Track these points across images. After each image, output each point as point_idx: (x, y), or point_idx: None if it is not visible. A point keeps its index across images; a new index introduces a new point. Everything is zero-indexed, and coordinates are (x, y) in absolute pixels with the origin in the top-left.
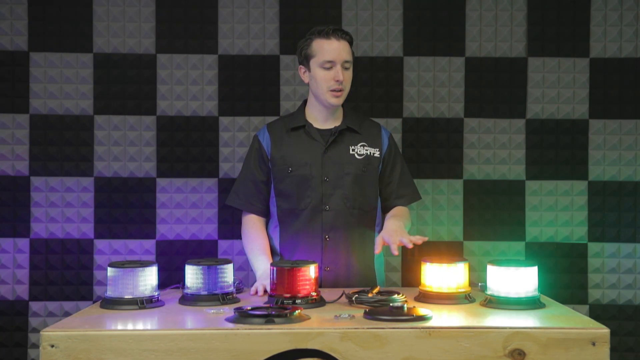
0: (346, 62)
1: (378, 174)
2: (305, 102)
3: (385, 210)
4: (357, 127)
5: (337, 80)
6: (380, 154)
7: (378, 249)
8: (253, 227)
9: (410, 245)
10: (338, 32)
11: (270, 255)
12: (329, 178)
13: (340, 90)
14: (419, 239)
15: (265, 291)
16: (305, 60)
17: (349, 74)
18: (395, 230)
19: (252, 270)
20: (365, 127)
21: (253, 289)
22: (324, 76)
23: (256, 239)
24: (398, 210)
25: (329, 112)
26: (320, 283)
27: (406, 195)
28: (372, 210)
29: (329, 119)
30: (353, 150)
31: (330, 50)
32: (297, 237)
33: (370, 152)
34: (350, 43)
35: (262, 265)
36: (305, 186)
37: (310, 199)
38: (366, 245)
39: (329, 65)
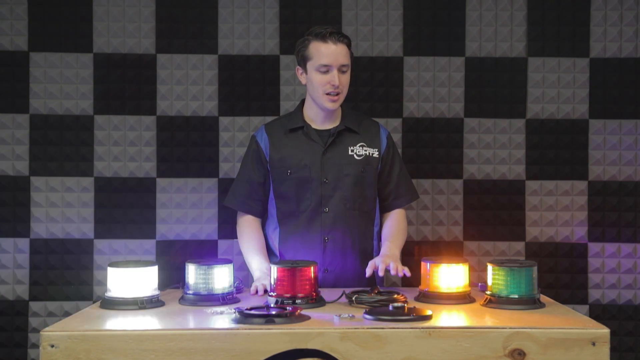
0: (343, 65)
1: (377, 174)
2: (303, 102)
3: (384, 210)
4: (356, 127)
5: (333, 85)
6: (379, 154)
7: (369, 273)
8: (249, 227)
9: (393, 272)
10: (335, 35)
11: (266, 255)
12: (329, 180)
13: (337, 94)
14: (402, 271)
15: (265, 291)
16: (302, 61)
17: (345, 78)
18: (389, 257)
19: None
20: (364, 127)
21: (253, 289)
22: (320, 80)
23: (252, 239)
24: (395, 223)
25: (327, 115)
26: (319, 285)
27: (405, 195)
28: (371, 211)
29: (328, 120)
30: (352, 151)
31: (327, 54)
32: (297, 239)
33: (369, 153)
34: (349, 46)
35: (258, 265)
36: (305, 188)
37: (309, 201)
38: (365, 245)
39: (325, 69)
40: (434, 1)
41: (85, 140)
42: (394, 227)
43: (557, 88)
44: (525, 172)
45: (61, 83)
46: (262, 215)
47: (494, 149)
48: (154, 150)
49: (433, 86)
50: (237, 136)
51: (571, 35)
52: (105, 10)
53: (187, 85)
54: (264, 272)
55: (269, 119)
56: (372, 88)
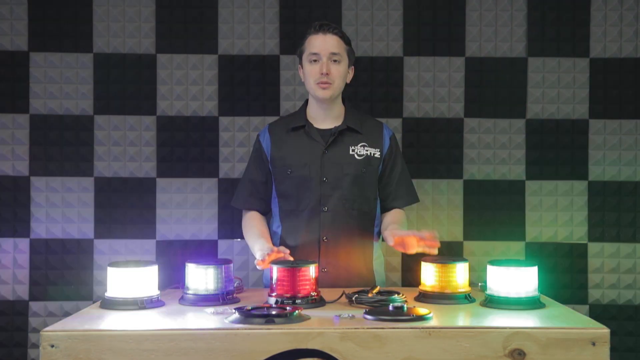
0: (333, 54)
1: (378, 175)
2: (306, 101)
3: (383, 210)
4: (358, 127)
5: (322, 73)
6: (380, 154)
7: (391, 242)
8: (251, 218)
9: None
10: (325, 26)
11: (268, 238)
12: (328, 179)
13: (327, 83)
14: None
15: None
16: (299, 57)
17: (337, 68)
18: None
19: (252, 270)
20: (366, 127)
21: (259, 258)
22: (311, 69)
23: (253, 227)
24: (395, 216)
25: (327, 110)
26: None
27: (404, 197)
28: (371, 211)
29: (329, 118)
30: (353, 150)
31: (316, 44)
32: (296, 238)
33: (370, 153)
34: (343, 38)
35: (260, 246)
36: (305, 187)
37: (309, 200)
38: (365, 246)
39: (315, 57)
40: (434, 1)
41: (85, 140)
42: (394, 217)
43: (557, 88)
44: (525, 172)
45: (61, 83)
46: (265, 214)
47: (494, 149)
48: (154, 150)
49: (433, 86)
50: (237, 136)
51: (571, 35)
52: (105, 10)
53: (187, 85)
54: (265, 246)
55: (269, 119)
56: (372, 88)
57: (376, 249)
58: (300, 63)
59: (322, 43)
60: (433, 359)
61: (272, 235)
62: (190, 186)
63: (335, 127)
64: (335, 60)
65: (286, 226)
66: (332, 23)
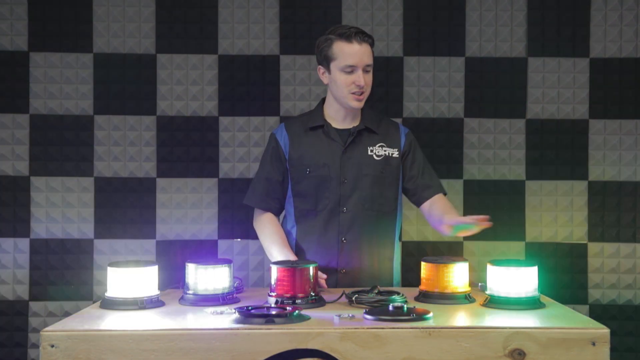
0: (367, 65)
1: (398, 175)
2: (323, 100)
3: (418, 202)
4: (376, 127)
5: (359, 85)
6: (399, 153)
7: (450, 231)
8: (269, 223)
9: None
10: (360, 35)
11: (290, 248)
12: (348, 179)
13: (361, 94)
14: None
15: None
16: (325, 61)
17: (369, 77)
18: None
19: (252, 270)
20: (383, 127)
21: None
22: (345, 80)
23: (274, 234)
24: (443, 204)
25: (348, 113)
26: (335, 285)
27: (433, 185)
28: (392, 212)
29: (347, 119)
30: (372, 151)
31: (352, 55)
32: (314, 239)
33: (389, 153)
34: (372, 45)
35: (285, 258)
36: (324, 187)
37: (328, 200)
38: (385, 247)
39: (350, 69)
40: (434, 1)
41: (85, 140)
42: (444, 206)
43: (557, 88)
44: (525, 172)
45: (61, 83)
46: (279, 213)
47: (494, 149)
48: (154, 150)
49: (433, 86)
50: (237, 136)
51: (571, 35)
52: (105, 10)
53: (187, 85)
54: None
55: (268, 118)
56: (372, 88)
57: (396, 250)
58: (322, 65)
59: (358, 54)
60: (433, 359)
61: (287, 235)
62: (190, 186)
63: (353, 127)
64: (367, 70)
65: (302, 226)
66: (361, 29)
